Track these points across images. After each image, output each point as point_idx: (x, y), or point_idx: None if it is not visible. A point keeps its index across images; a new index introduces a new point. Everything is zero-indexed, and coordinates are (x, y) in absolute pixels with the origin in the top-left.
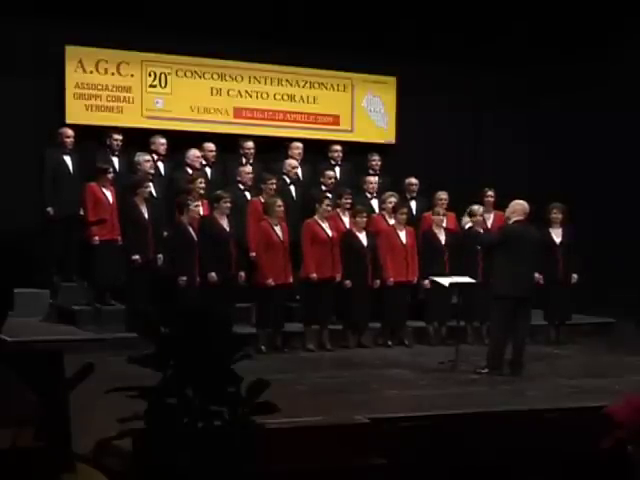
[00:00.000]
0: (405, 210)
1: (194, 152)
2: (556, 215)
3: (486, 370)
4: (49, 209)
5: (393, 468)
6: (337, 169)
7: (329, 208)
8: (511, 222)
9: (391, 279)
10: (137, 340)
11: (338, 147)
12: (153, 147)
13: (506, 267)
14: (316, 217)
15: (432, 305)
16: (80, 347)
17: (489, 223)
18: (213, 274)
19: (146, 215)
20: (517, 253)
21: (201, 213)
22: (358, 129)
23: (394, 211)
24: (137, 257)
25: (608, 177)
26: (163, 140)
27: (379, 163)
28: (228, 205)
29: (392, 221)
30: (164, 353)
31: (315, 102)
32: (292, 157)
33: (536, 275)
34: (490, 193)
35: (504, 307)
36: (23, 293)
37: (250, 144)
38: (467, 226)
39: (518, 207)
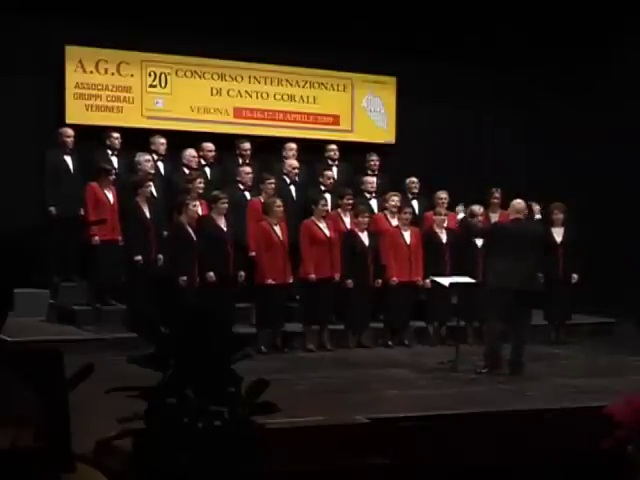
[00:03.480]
0: (409, 210)
1: (190, 152)
2: (557, 215)
3: (486, 370)
4: (51, 208)
5: (393, 468)
6: (334, 169)
7: (326, 208)
8: (510, 219)
9: (394, 279)
10: (137, 340)
11: (334, 147)
12: (153, 147)
13: (500, 262)
14: (313, 217)
15: (432, 305)
16: (80, 347)
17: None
18: (211, 274)
19: (148, 215)
20: (511, 249)
21: (200, 213)
22: (358, 129)
23: (399, 211)
24: (139, 258)
25: (608, 177)
26: (163, 140)
27: (377, 163)
28: (225, 206)
29: (394, 221)
30: (164, 353)
31: (315, 102)
32: (287, 158)
33: (533, 267)
34: (497, 194)
35: (496, 302)
36: (23, 293)
37: (247, 145)
38: (460, 216)
39: (510, 208)
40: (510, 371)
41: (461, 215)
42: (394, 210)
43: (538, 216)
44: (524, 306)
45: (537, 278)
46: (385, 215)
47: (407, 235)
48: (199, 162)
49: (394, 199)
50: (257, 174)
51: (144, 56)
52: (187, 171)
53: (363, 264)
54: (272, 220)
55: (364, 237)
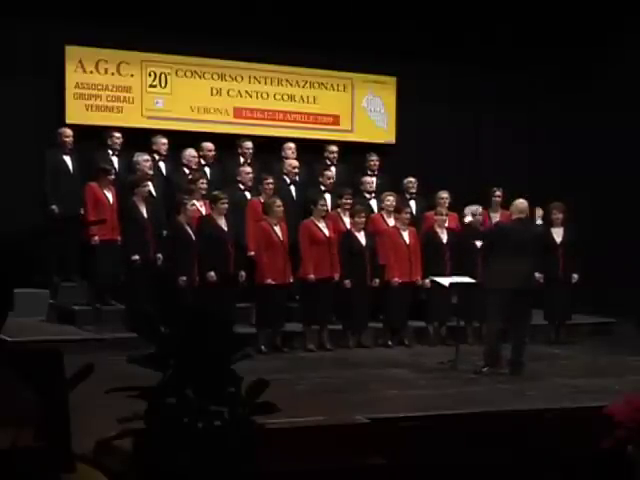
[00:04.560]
0: (408, 210)
1: (190, 152)
2: (557, 215)
3: (486, 369)
4: (53, 207)
5: (393, 468)
6: (333, 169)
7: (324, 208)
8: (511, 219)
9: (396, 279)
10: (137, 340)
11: (334, 148)
12: (155, 147)
13: (500, 262)
14: (313, 217)
15: (432, 305)
16: (80, 347)
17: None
18: (212, 273)
19: (145, 215)
20: (510, 249)
21: (203, 212)
22: (358, 129)
23: (397, 211)
24: (137, 257)
25: (608, 177)
26: (164, 140)
27: (377, 163)
28: (225, 206)
29: (391, 221)
30: (164, 353)
31: (315, 102)
32: (287, 157)
33: (537, 274)
34: (498, 193)
35: (497, 301)
36: (23, 293)
37: (249, 144)
38: (467, 219)
39: (513, 207)
40: (510, 371)
41: (469, 218)
42: (390, 210)
43: (539, 221)
44: (523, 306)
45: (534, 277)
46: (382, 215)
47: (406, 235)
48: (199, 162)
49: (389, 199)
50: (257, 174)
51: (144, 56)
52: (187, 171)
53: (361, 264)
54: (272, 220)
55: (361, 237)
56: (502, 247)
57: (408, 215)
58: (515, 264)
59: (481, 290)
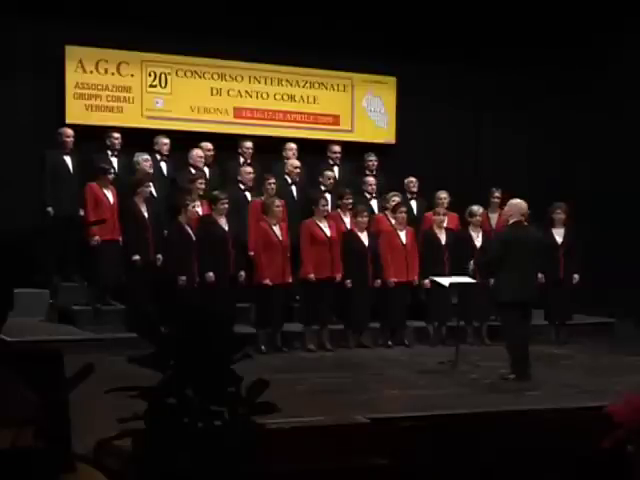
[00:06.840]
0: (404, 209)
1: (197, 152)
2: (560, 215)
3: (513, 376)
4: (49, 209)
5: (393, 468)
6: (336, 169)
7: (326, 208)
8: (510, 224)
9: (393, 279)
10: (137, 340)
11: (337, 148)
12: (156, 147)
13: (510, 273)
14: (314, 217)
15: (432, 305)
16: (80, 347)
17: (493, 223)
18: (211, 274)
19: (146, 215)
20: (518, 257)
21: (200, 213)
22: (358, 129)
23: (393, 211)
24: (137, 257)
25: (608, 177)
26: (166, 140)
27: (376, 163)
28: (225, 206)
29: (394, 221)
30: (164, 353)
31: (315, 102)
32: (288, 158)
33: (538, 275)
34: (497, 194)
35: (514, 313)
36: (23, 293)
37: (249, 144)
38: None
39: (515, 208)
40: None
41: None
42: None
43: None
44: (526, 310)
45: (537, 286)
46: (386, 215)
47: (403, 235)
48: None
49: (394, 199)
50: (258, 174)
51: (144, 56)
52: (193, 171)
53: (362, 264)
54: (271, 220)
55: (364, 237)
56: (509, 256)
57: (403, 215)
58: (523, 274)
59: (481, 290)
